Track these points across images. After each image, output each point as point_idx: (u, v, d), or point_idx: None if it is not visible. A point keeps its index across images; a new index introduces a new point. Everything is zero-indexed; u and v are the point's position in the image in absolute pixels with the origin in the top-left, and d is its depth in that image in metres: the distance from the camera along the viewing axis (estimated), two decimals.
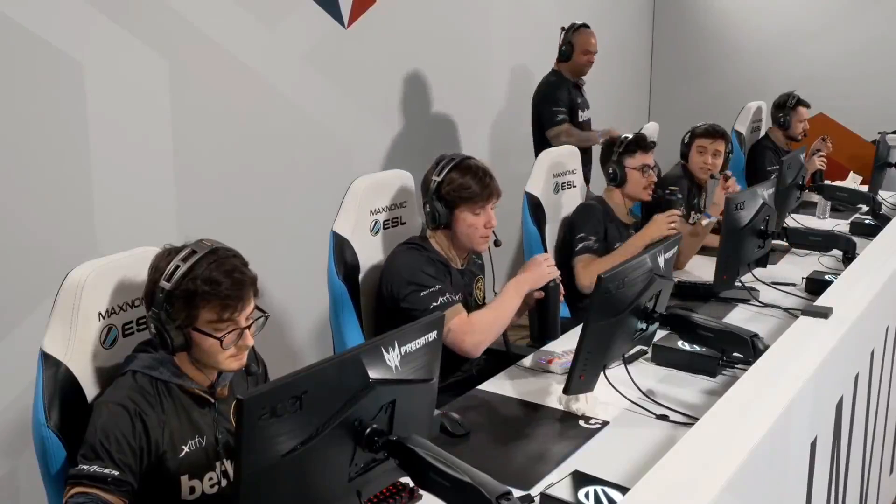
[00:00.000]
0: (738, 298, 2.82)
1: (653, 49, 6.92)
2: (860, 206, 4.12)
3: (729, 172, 3.48)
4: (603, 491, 1.60)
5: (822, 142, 4.64)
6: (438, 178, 2.32)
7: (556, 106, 4.29)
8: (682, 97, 6.59)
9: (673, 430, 1.94)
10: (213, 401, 1.70)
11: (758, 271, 3.01)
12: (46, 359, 1.65)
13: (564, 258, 3.03)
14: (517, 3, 5.07)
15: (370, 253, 2.46)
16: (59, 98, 2.78)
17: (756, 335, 2.10)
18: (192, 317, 1.59)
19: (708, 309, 2.71)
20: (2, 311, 2.65)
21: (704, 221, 3.17)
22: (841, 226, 3.79)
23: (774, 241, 3.09)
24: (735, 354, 2.24)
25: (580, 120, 4.33)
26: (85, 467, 1.53)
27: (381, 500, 1.60)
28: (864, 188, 4.44)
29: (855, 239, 3.31)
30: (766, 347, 1.92)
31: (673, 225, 2.95)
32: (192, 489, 1.66)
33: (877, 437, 2.39)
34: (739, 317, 2.67)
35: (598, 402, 2.04)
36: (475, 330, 2.26)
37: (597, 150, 3.41)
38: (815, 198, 4.18)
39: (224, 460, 1.71)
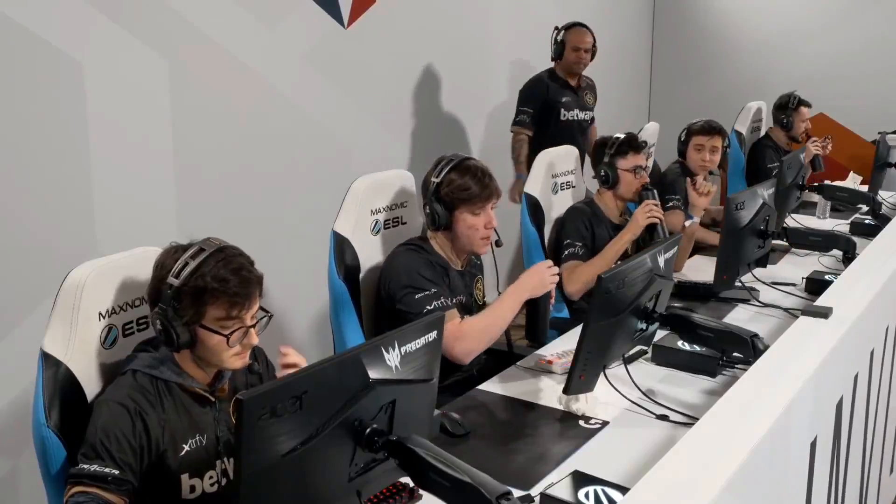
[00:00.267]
0: (738, 298, 2.82)
1: (653, 49, 6.92)
2: (860, 206, 4.12)
3: (701, 177, 3.44)
4: (603, 491, 1.60)
5: (825, 140, 4.63)
6: (437, 180, 2.32)
7: (522, 105, 4.35)
8: (682, 97, 6.59)
9: (673, 430, 1.94)
10: (213, 399, 1.70)
11: (758, 271, 3.01)
12: (46, 359, 1.65)
13: (557, 259, 3.02)
14: (517, 2, 5.07)
15: (370, 253, 2.46)
16: (59, 98, 2.78)
17: (756, 335, 2.10)
18: (199, 314, 1.60)
19: (708, 309, 2.71)
20: (2, 311, 2.65)
21: (688, 223, 3.17)
22: (841, 226, 3.79)
23: (774, 241, 3.09)
24: (735, 354, 2.24)
25: (563, 119, 4.31)
26: (85, 466, 1.53)
27: (381, 500, 1.60)
28: (864, 188, 4.43)
29: (855, 239, 3.31)
30: (766, 347, 1.92)
31: (650, 214, 2.92)
32: (193, 488, 1.66)
33: (877, 437, 2.39)
34: (739, 317, 2.67)
35: (598, 402, 2.04)
36: (466, 337, 2.23)
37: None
38: (815, 198, 4.18)
39: (224, 459, 1.71)
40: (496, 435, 1.96)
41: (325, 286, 2.43)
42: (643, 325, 2.12)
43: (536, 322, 2.32)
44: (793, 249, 3.44)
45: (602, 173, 3.03)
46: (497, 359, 2.44)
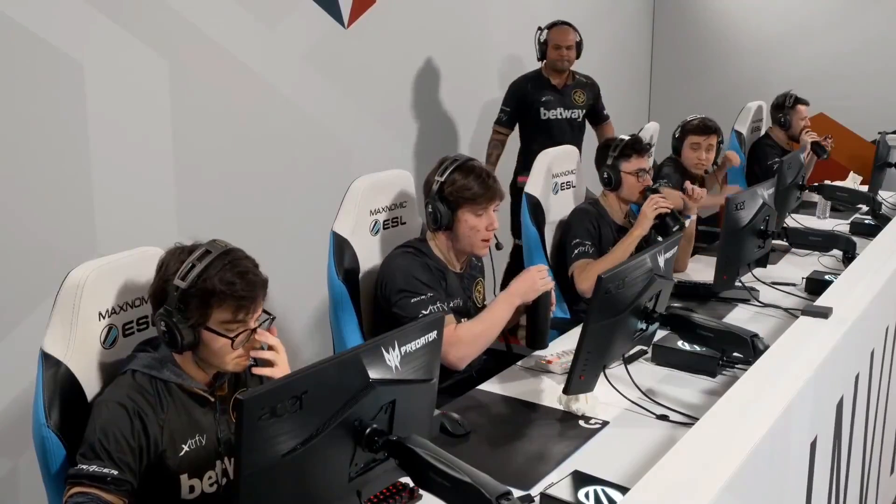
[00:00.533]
0: (738, 298, 2.82)
1: (653, 49, 6.92)
2: (860, 206, 4.12)
3: (689, 184, 3.43)
4: (603, 491, 1.60)
5: (825, 139, 4.63)
6: (441, 179, 2.31)
7: (503, 104, 4.43)
8: (682, 97, 6.59)
9: (673, 430, 1.94)
10: (213, 399, 1.70)
11: (758, 271, 3.01)
12: (46, 359, 1.65)
13: (560, 260, 3.03)
14: (516, 3, 5.07)
15: (370, 253, 2.46)
16: (59, 98, 2.78)
17: (756, 335, 2.10)
18: (205, 316, 1.61)
19: (708, 309, 2.71)
20: (2, 311, 2.65)
21: (687, 222, 3.17)
22: (841, 226, 3.79)
23: (774, 241, 3.09)
24: (735, 354, 2.24)
25: (544, 118, 4.34)
26: (84, 467, 1.53)
27: (381, 500, 1.61)
28: (864, 188, 4.43)
29: (855, 239, 3.31)
30: (766, 347, 1.92)
31: (657, 206, 2.92)
32: (192, 488, 1.66)
33: (877, 437, 2.39)
34: (739, 317, 2.67)
35: (598, 402, 2.04)
36: (460, 343, 2.21)
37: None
38: (815, 198, 4.18)
39: (224, 459, 1.71)
40: (496, 435, 1.96)
41: (324, 286, 2.43)
42: (643, 325, 2.12)
43: (537, 329, 2.30)
44: (793, 249, 3.44)
45: (605, 175, 3.03)
46: (497, 359, 2.44)
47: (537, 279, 2.27)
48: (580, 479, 1.65)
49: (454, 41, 4.66)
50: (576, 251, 2.91)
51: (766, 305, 2.78)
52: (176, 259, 1.63)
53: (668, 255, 2.15)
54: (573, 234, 2.94)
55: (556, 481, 1.65)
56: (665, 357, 2.32)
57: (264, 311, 1.69)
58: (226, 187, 3.38)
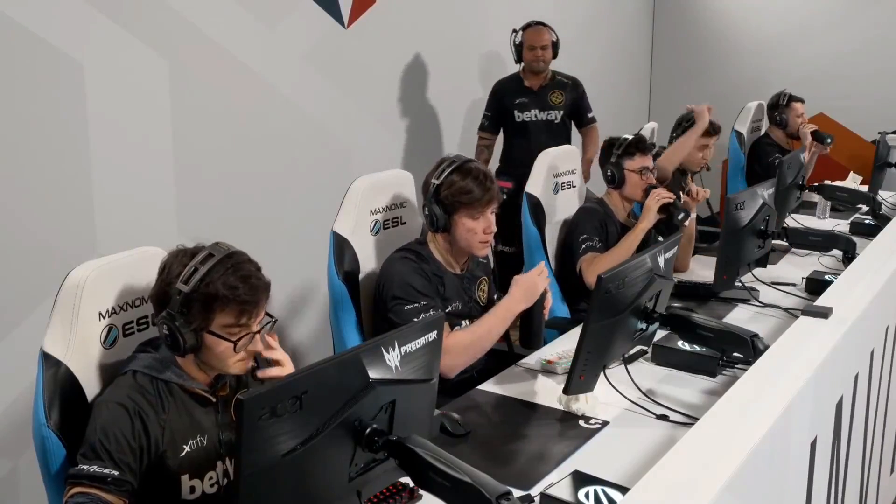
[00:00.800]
0: (738, 298, 2.82)
1: (653, 49, 6.92)
2: (860, 206, 4.12)
3: (693, 185, 3.44)
4: (603, 491, 1.60)
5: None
6: (438, 181, 2.29)
7: (485, 109, 4.42)
8: (682, 97, 6.53)
9: (673, 430, 1.94)
10: (214, 400, 1.70)
11: (758, 271, 3.01)
12: (47, 359, 1.65)
13: (565, 260, 3.03)
14: (516, 3, 5.07)
15: (370, 253, 2.46)
16: (59, 98, 2.78)
17: (756, 335, 2.10)
18: (208, 320, 1.60)
19: (708, 309, 2.71)
20: (2, 311, 2.65)
21: (686, 221, 3.18)
22: (841, 226, 3.79)
23: (774, 241, 3.09)
24: (735, 354, 2.24)
25: (519, 120, 4.32)
26: (85, 467, 1.53)
27: (381, 500, 1.61)
28: (864, 188, 4.43)
29: (855, 239, 3.31)
30: (766, 347, 1.92)
31: (660, 197, 2.94)
32: (193, 489, 1.66)
33: (877, 437, 2.39)
34: (739, 317, 2.67)
35: (598, 402, 2.04)
36: (450, 352, 2.17)
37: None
38: (815, 198, 4.18)
39: (225, 460, 1.71)
40: (496, 435, 1.96)
41: (324, 286, 2.43)
42: (643, 325, 2.12)
43: (531, 329, 2.28)
44: (793, 249, 3.44)
45: (609, 173, 3.05)
46: (497, 359, 2.44)
47: (538, 282, 2.25)
48: (580, 479, 1.65)
49: (454, 41, 4.66)
50: (583, 246, 2.92)
51: (766, 305, 2.78)
52: (178, 262, 1.63)
53: (668, 255, 2.15)
54: (580, 231, 2.96)
55: (556, 481, 1.65)
56: (665, 357, 2.32)
57: (266, 314, 1.69)
58: (226, 187, 3.38)
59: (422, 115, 4.49)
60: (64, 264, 1.73)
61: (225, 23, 3.31)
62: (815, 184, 4.05)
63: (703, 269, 3.15)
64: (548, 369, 2.29)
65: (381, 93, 4.19)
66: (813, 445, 1.73)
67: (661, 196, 2.95)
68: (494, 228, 2.32)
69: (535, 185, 3.08)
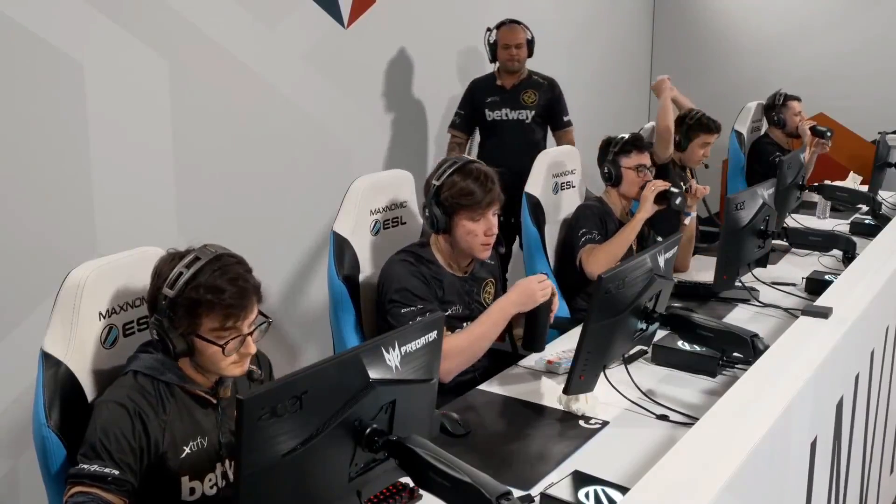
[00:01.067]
0: (738, 298, 2.82)
1: (653, 49, 6.92)
2: (860, 206, 4.12)
3: (693, 183, 3.44)
4: (603, 491, 1.60)
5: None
6: (438, 182, 2.26)
7: (458, 107, 4.34)
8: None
9: (673, 430, 1.94)
10: (215, 401, 1.70)
11: (758, 271, 3.01)
12: (47, 359, 1.65)
13: (564, 258, 3.03)
14: (516, 3, 5.07)
15: (370, 253, 2.46)
16: (59, 98, 2.78)
17: (756, 335, 2.10)
18: (194, 324, 1.60)
19: (708, 309, 2.71)
20: (2, 311, 2.65)
21: (687, 220, 3.18)
22: (841, 226, 3.79)
23: (774, 241, 3.09)
24: (735, 354, 2.24)
25: (489, 119, 4.24)
26: (85, 466, 1.53)
27: (381, 500, 1.60)
28: (864, 188, 4.43)
29: (855, 239, 3.31)
30: (766, 347, 1.92)
31: (655, 187, 2.95)
32: (193, 490, 1.66)
33: (877, 437, 2.39)
34: (739, 317, 2.67)
35: (598, 402, 2.04)
36: (446, 357, 2.11)
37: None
38: (815, 198, 4.18)
39: (224, 462, 1.71)
40: (496, 435, 1.96)
41: (324, 286, 2.43)
42: (643, 325, 2.12)
43: (535, 333, 2.28)
44: (793, 249, 3.44)
45: (606, 170, 3.07)
46: (497, 359, 2.44)
47: (536, 290, 2.22)
48: (580, 479, 1.65)
49: (454, 41, 4.66)
50: (583, 239, 2.94)
51: (766, 305, 2.78)
52: (167, 266, 1.62)
53: (668, 255, 2.15)
54: (579, 226, 2.97)
55: (556, 481, 1.65)
56: (665, 357, 2.32)
57: (261, 314, 1.67)
58: (226, 187, 3.38)
59: (422, 115, 4.49)
60: (64, 264, 1.73)
61: (225, 23, 3.31)
62: (815, 184, 4.05)
63: (703, 269, 3.15)
64: (548, 369, 2.29)
65: (381, 93, 4.19)
66: (813, 445, 1.73)
67: (656, 185, 2.97)
68: (496, 230, 2.30)
69: (535, 185, 3.08)
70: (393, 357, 1.39)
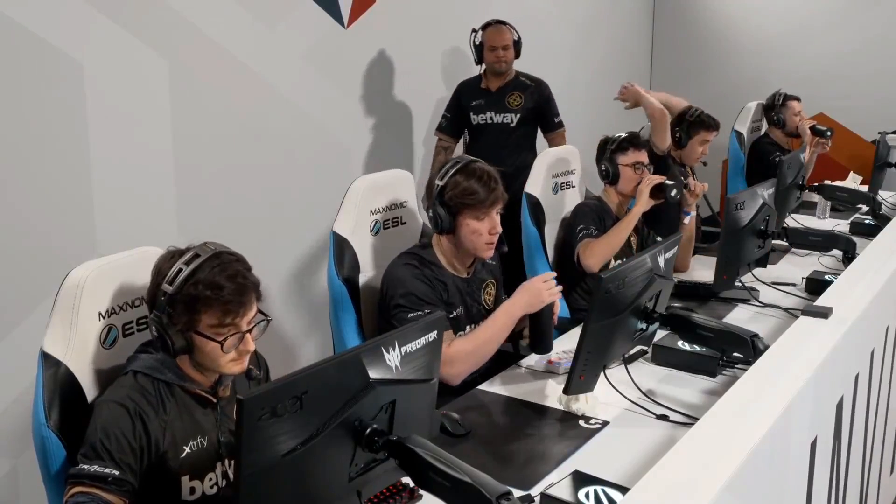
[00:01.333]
0: (738, 298, 2.82)
1: (653, 49, 6.92)
2: (860, 206, 4.12)
3: (693, 181, 3.44)
4: (603, 491, 1.61)
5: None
6: (441, 182, 2.26)
7: (445, 109, 4.24)
8: (682, 97, 6.57)
9: (673, 430, 1.94)
10: (215, 401, 1.70)
11: (758, 271, 3.01)
12: (46, 359, 1.65)
13: (564, 257, 3.03)
14: (516, 3, 5.07)
15: (370, 253, 2.46)
16: (59, 98, 2.78)
17: (756, 335, 2.10)
18: (193, 321, 1.60)
19: (708, 309, 2.71)
20: (2, 311, 2.65)
21: (686, 220, 3.18)
22: (841, 226, 3.79)
23: (774, 241, 3.09)
24: (735, 354, 2.24)
25: (475, 122, 4.15)
26: (85, 467, 1.53)
27: (381, 500, 1.61)
28: (864, 188, 4.43)
29: (855, 239, 3.31)
30: (766, 347, 1.92)
31: (650, 180, 2.96)
32: (193, 490, 1.66)
33: (877, 437, 2.39)
34: (739, 317, 2.67)
35: (598, 402, 2.04)
36: (454, 362, 2.17)
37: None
38: (815, 198, 4.18)
39: (224, 461, 1.71)
40: (496, 435, 1.96)
41: (324, 286, 2.43)
42: (643, 325, 2.12)
43: (541, 334, 2.28)
44: (793, 249, 3.44)
45: (603, 168, 3.08)
46: (497, 359, 2.43)
47: (543, 290, 2.22)
48: (580, 479, 1.65)
49: (454, 41, 4.66)
50: (580, 234, 2.94)
51: (766, 305, 2.78)
52: (167, 263, 1.63)
53: (668, 255, 2.15)
54: (577, 223, 2.97)
55: (556, 481, 1.65)
56: (665, 357, 2.32)
57: (260, 312, 1.67)
58: (226, 187, 3.38)
59: (422, 115, 4.49)
60: (64, 264, 1.73)
61: (225, 23, 3.31)
62: (815, 184, 4.05)
63: (702, 269, 3.15)
64: (548, 369, 2.29)
65: (381, 93, 4.19)
66: (813, 445, 1.73)
67: (651, 179, 2.97)
68: (500, 229, 2.29)
69: (535, 185, 3.08)
70: (393, 357, 1.39)
